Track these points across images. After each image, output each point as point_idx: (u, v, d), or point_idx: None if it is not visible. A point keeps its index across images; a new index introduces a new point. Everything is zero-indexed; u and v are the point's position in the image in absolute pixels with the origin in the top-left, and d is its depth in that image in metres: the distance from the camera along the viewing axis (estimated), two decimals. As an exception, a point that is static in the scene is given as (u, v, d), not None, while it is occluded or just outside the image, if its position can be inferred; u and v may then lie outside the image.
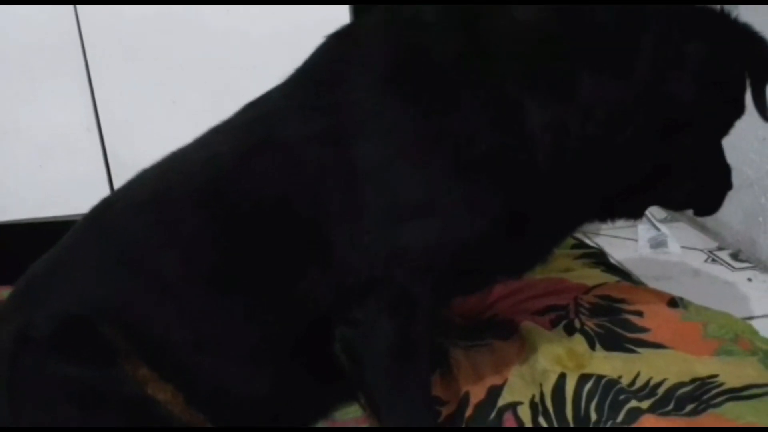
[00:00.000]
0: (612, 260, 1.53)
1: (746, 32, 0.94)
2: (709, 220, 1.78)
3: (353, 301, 0.89)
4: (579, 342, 1.13)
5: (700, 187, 1.05)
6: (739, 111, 0.98)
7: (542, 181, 0.91)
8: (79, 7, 1.36)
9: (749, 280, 1.53)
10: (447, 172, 0.87)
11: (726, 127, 1.01)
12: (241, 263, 0.93)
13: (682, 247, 1.71)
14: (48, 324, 0.90)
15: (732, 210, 1.69)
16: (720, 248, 1.70)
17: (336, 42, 0.96)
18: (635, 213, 1.10)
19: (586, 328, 1.17)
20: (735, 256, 1.64)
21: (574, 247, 1.53)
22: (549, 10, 0.91)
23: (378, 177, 0.88)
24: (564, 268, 1.42)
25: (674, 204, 1.15)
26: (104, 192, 1.08)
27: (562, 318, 1.21)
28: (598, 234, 1.83)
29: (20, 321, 0.92)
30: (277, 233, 0.91)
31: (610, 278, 1.35)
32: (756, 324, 1.16)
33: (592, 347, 1.12)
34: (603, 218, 1.07)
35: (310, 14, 1.28)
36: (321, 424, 1.05)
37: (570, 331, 1.17)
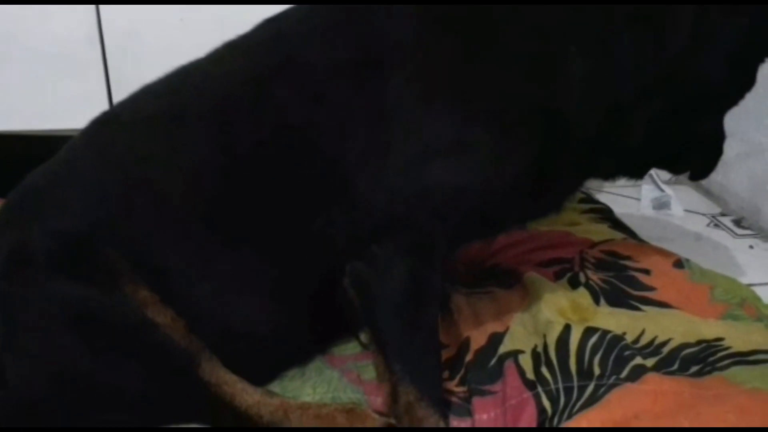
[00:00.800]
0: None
1: None
2: (713, 185, 1.77)
3: (371, 239, 0.87)
4: (583, 295, 1.11)
5: (701, 154, 1.09)
6: (752, 84, 1.00)
7: (571, 134, 0.90)
8: None
9: (751, 247, 1.52)
10: (482, 116, 0.85)
11: (739, 98, 1.03)
12: (250, 195, 0.90)
13: (685, 210, 1.70)
14: (46, 241, 0.87)
15: (738, 176, 1.67)
16: (723, 214, 1.69)
17: None
18: (639, 174, 1.12)
19: (591, 282, 1.15)
20: (738, 223, 1.63)
21: (581, 201, 1.51)
22: None
23: (409, 114, 0.84)
24: (570, 222, 1.40)
25: (675, 168, 1.16)
26: (103, 107, 1.03)
27: (566, 271, 1.20)
28: (600, 191, 1.81)
29: (15, 236, 0.89)
30: (294, 166, 0.88)
31: (617, 235, 1.33)
32: (756, 292, 1.15)
33: (597, 302, 1.10)
34: (607, 176, 1.09)
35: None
36: (318, 359, 1.02)
37: (574, 284, 1.15)
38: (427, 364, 0.89)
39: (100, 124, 0.98)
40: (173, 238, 0.90)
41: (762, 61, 0.98)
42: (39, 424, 0.87)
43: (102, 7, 1.33)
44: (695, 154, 1.08)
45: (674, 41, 0.91)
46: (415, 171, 0.85)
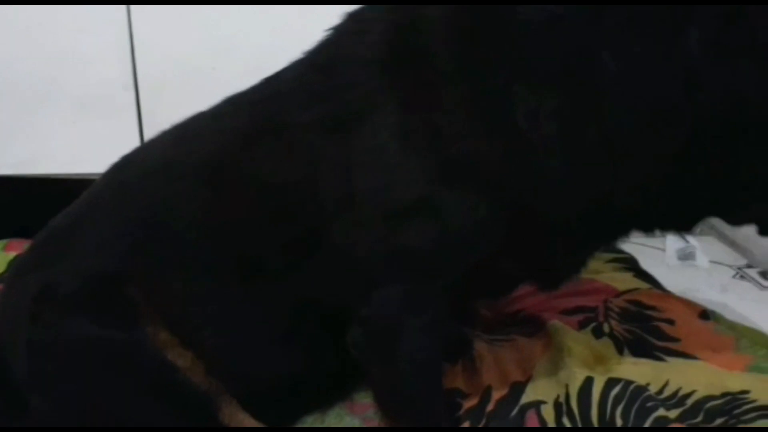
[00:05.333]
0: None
1: None
2: (739, 236, 1.75)
3: (359, 297, 0.87)
4: (607, 346, 1.11)
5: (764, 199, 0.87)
6: None
7: (555, 180, 0.81)
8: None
9: (777, 299, 1.50)
10: (435, 172, 0.82)
11: None
12: (244, 245, 0.92)
13: (710, 261, 1.68)
14: (72, 281, 0.90)
15: (764, 228, 1.65)
16: (749, 266, 1.67)
17: (340, 24, 0.93)
18: (686, 225, 0.97)
19: (615, 332, 1.14)
20: (764, 275, 1.61)
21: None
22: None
23: (370, 171, 0.84)
24: (594, 270, 1.39)
25: (735, 218, 0.96)
26: (136, 153, 1.06)
27: (590, 320, 1.19)
28: (625, 241, 1.80)
29: (41, 278, 0.92)
30: (275, 221, 0.90)
31: (642, 284, 1.32)
32: (783, 344, 1.13)
33: (620, 352, 1.09)
34: (647, 229, 0.93)
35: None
36: (339, 405, 1.02)
37: (598, 334, 1.15)
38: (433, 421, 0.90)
39: (117, 168, 1.01)
40: (186, 280, 0.92)
41: None
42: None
43: (138, 55, 1.37)
44: (757, 201, 0.86)
45: (686, 49, 0.74)
46: (384, 230, 0.84)
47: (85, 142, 1.41)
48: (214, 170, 0.92)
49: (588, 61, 0.77)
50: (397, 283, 0.86)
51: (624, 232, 0.95)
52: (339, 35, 0.92)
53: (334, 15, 0.93)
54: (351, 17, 0.93)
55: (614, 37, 0.77)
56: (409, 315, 0.87)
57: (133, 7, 1.36)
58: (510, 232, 0.85)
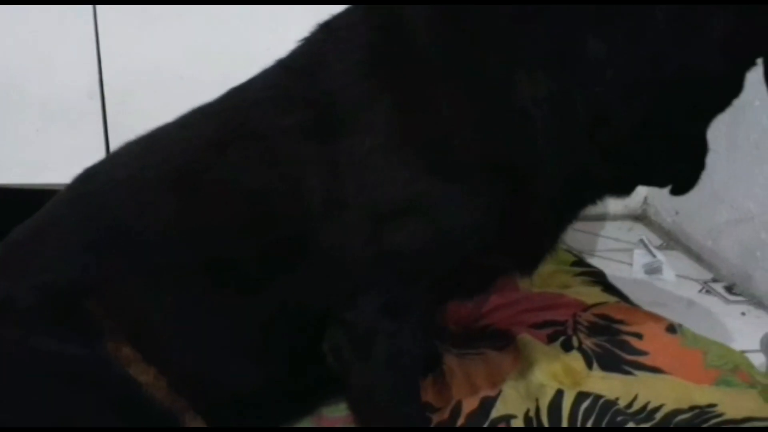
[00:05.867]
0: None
1: None
2: (704, 251, 1.77)
3: (343, 301, 0.86)
4: (576, 359, 1.11)
5: (685, 164, 0.99)
6: (739, 89, 0.92)
7: (544, 163, 0.85)
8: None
9: (743, 314, 1.51)
10: (427, 168, 0.82)
11: (725, 103, 0.94)
12: (216, 255, 0.89)
13: (677, 275, 1.70)
14: (30, 295, 0.87)
15: (728, 243, 1.68)
16: (715, 280, 1.69)
17: (315, 32, 0.93)
18: (627, 191, 1.01)
19: (584, 346, 1.15)
20: (729, 289, 1.63)
21: (573, 264, 1.51)
22: None
23: (359, 173, 0.83)
24: (562, 284, 1.40)
25: (659, 180, 1.04)
26: (100, 162, 1.04)
27: (559, 334, 1.19)
28: (592, 255, 1.81)
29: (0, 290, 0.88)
30: (255, 227, 0.88)
31: (609, 298, 1.33)
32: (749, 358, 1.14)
33: (590, 366, 1.10)
34: (595, 200, 0.98)
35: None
36: (308, 420, 1.01)
37: (567, 347, 1.15)
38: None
39: (81, 180, 0.98)
40: (148, 293, 0.89)
41: (748, 62, 0.89)
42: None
43: (104, 63, 1.35)
44: (679, 167, 0.99)
45: (656, 32, 0.83)
46: (373, 232, 0.83)
47: (49, 151, 1.38)
48: (184, 178, 0.90)
49: (577, 45, 0.83)
50: (384, 286, 0.85)
51: (591, 199, 0.98)
52: (316, 42, 0.92)
53: (304, 25, 0.93)
54: (324, 26, 0.92)
55: (598, 23, 0.83)
56: (394, 318, 0.86)
57: (99, 13, 1.33)
58: (502, 220, 0.85)
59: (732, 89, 0.92)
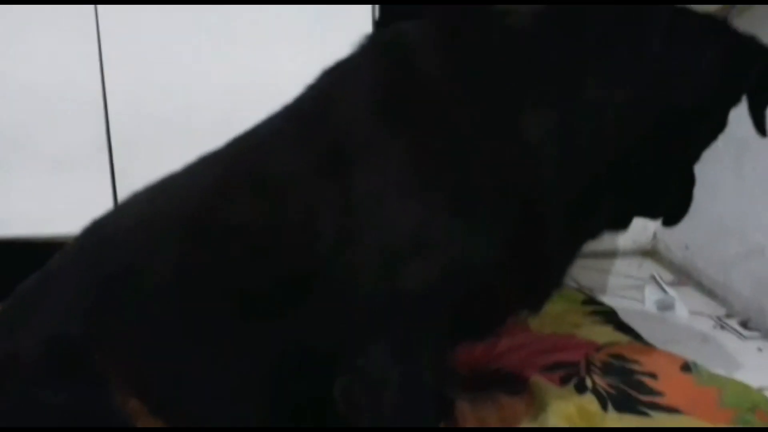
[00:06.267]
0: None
1: (754, 44, 0.93)
2: (717, 286, 1.76)
3: (354, 345, 0.86)
4: (590, 401, 1.10)
5: (676, 197, 1.04)
6: (723, 126, 0.97)
7: (551, 196, 0.88)
8: (100, 26, 1.35)
9: (759, 350, 1.49)
10: (442, 204, 0.83)
11: (711, 140, 1.00)
12: (227, 299, 0.89)
13: (690, 311, 1.68)
14: (35, 347, 0.86)
15: (740, 277, 1.66)
16: (728, 315, 1.67)
17: (322, 77, 0.94)
18: (624, 224, 1.04)
19: (598, 387, 1.13)
20: (744, 324, 1.61)
21: (584, 302, 1.50)
22: (543, 15, 0.90)
23: (372, 210, 0.84)
24: (573, 324, 1.39)
25: (652, 212, 1.08)
26: (109, 212, 1.04)
27: (572, 375, 1.18)
28: (603, 292, 1.80)
29: (6, 345, 0.89)
30: (265, 269, 0.88)
31: (622, 337, 1.32)
32: (767, 396, 1.13)
33: (604, 408, 1.08)
34: (595, 235, 1.01)
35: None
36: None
37: (581, 389, 1.14)
38: None
39: (89, 232, 0.99)
40: (155, 344, 0.89)
41: (734, 99, 0.95)
42: None
43: (111, 114, 1.37)
44: (671, 199, 1.04)
45: (647, 73, 0.88)
46: (387, 271, 0.83)
47: (58, 203, 1.38)
48: (191, 224, 0.90)
49: (577, 81, 0.88)
50: (396, 328, 0.85)
51: (592, 234, 1.00)
52: (323, 87, 0.94)
53: (311, 74, 0.94)
54: (331, 71, 0.94)
55: (597, 63, 0.88)
56: (406, 364, 0.85)
57: (106, 65, 1.35)
58: (513, 254, 0.86)
59: (718, 125, 0.97)
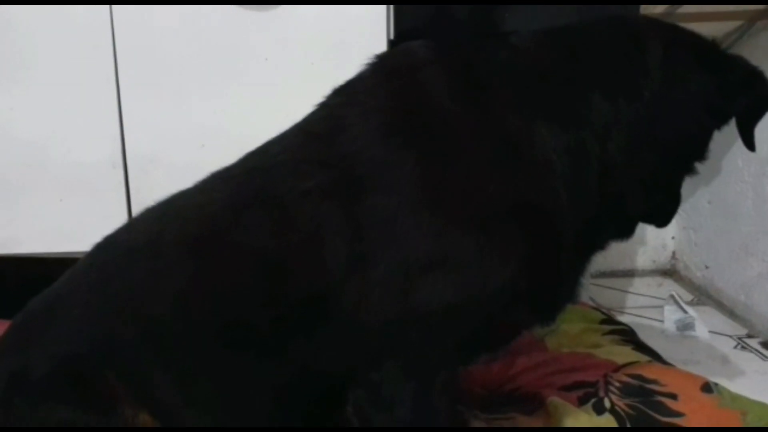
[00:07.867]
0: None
1: (743, 69, 0.98)
2: (737, 306, 1.73)
3: (368, 363, 0.85)
4: (609, 422, 1.07)
5: (670, 205, 1.07)
6: (709, 139, 1.01)
7: (565, 209, 0.88)
8: (116, 40, 1.35)
9: (782, 370, 1.47)
10: (456, 221, 0.83)
11: (702, 156, 1.03)
12: (230, 320, 0.88)
13: (710, 331, 1.65)
14: (44, 365, 0.87)
15: (761, 297, 1.64)
16: (750, 335, 1.64)
17: (332, 96, 0.94)
18: (629, 233, 1.06)
19: (617, 408, 1.11)
20: (765, 345, 1.58)
21: (602, 322, 1.47)
22: (546, 35, 0.95)
23: (385, 231, 0.83)
24: (592, 344, 1.36)
25: (650, 219, 1.10)
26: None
27: (590, 395, 1.16)
28: (622, 312, 1.78)
29: (15, 361, 0.89)
30: (273, 290, 0.87)
31: (641, 357, 1.29)
32: (791, 418, 1.09)
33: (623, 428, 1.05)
34: (604, 246, 1.03)
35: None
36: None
37: (599, 410, 1.11)
38: None
39: (99, 249, 0.99)
40: (163, 361, 0.88)
41: (723, 120, 1.00)
42: None
43: (127, 132, 1.38)
44: (666, 208, 1.07)
45: (648, 93, 0.93)
46: (400, 290, 0.83)
47: (72, 221, 1.39)
48: (200, 243, 0.90)
49: (584, 102, 0.91)
50: (410, 345, 0.84)
51: (600, 245, 1.02)
52: (334, 106, 0.94)
53: (324, 89, 0.94)
54: (341, 90, 0.94)
55: (600, 78, 0.93)
56: (419, 379, 0.84)
57: (122, 84, 1.36)
58: (528, 268, 0.85)
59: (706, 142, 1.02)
